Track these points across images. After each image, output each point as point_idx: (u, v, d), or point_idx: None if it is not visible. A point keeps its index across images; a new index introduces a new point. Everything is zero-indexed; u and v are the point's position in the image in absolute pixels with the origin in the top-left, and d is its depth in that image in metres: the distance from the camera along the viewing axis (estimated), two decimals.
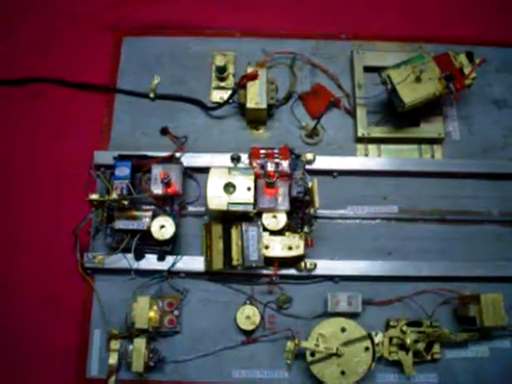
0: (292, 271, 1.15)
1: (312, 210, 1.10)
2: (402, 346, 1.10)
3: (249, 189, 1.09)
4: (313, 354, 1.06)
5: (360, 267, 1.15)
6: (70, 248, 1.15)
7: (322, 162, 1.22)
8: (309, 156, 1.20)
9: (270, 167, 1.12)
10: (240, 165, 1.17)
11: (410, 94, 1.16)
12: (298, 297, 1.15)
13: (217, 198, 1.08)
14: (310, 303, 1.15)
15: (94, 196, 1.08)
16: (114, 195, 1.08)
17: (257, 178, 1.12)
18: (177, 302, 1.13)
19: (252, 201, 1.08)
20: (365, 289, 1.14)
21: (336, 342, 1.06)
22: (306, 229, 1.13)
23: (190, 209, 1.20)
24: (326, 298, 1.12)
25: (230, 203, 1.08)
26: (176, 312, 1.13)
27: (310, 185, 1.11)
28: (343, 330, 1.07)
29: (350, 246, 1.18)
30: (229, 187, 1.09)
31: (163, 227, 1.12)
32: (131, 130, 1.27)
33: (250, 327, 1.11)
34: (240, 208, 1.08)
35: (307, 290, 1.16)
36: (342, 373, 1.06)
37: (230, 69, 1.29)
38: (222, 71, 1.27)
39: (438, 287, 1.15)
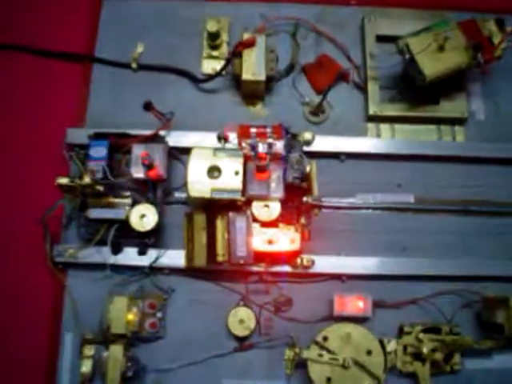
0: (286, 268, 1.00)
1: (310, 199, 0.95)
2: (418, 356, 0.96)
3: (236, 173, 0.93)
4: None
5: (370, 264, 1.00)
6: (40, 239, 1.00)
7: (328, 144, 1.06)
8: (307, 136, 1.03)
9: (262, 148, 0.96)
10: (227, 145, 1.01)
11: (432, 66, 1.00)
12: (298, 298, 1.00)
13: (199, 184, 0.92)
14: (313, 305, 1.00)
15: (63, 180, 0.92)
16: (87, 179, 0.92)
17: (246, 160, 0.96)
18: (160, 303, 0.98)
19: (240, 187, 0.93)
20: (375, 289, 0.99)
21: (348, 351, 0.92)
22: (302, 220, 0.97)
23: (177, 195, 1.04)
24: (332, 299, 0.98)
25: (214, 190, 0.92)
26: (159, 314, 0.97)
27: (308, 169, 0.96)
28: (369, 352, 0.92)
29: (360, 240, 1.03)
30: (213, 171, 0.93)
31: (144, 217, 0.96)
32: (110, 104, 1.11)
33: (243, 333, 0.96)
34: (226, 196, 0.93)
35: (310, 291, 1.01)
36: (328, 380, 0.92)
37: (224, 36, 1.13)
38: (214, 38, 1.10)
39: (459, 288, 1.00)
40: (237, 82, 1.09)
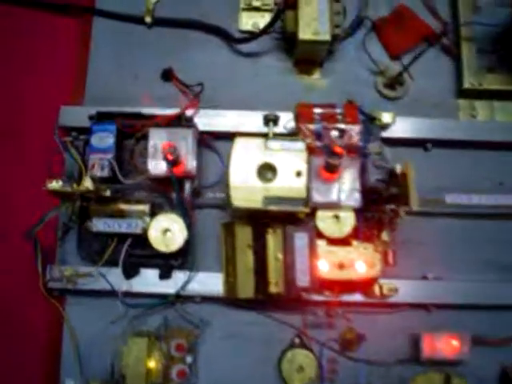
0: (358, 297, 0.72)
1: (402, 211, 0.66)
2: None
3: (298, 174, 0.64)
4: None
5: (466, 289, 0.72)
6: (30, 256, 0.73)
7: (408, 127, 0.76)
8: (385, 118, 0.74)
9: (337, 137, 0.67)
10: (277, 129, 0.70)
11: None
12: (372, 333, 0.72)
13: (246, 190, 0.63)
14: (391, 342, 0.72)
15: (54, 184, 0.63)
16: (88, 184, 0.63)
17: (310, 154, 0.67)
18: (190, 343, 0.70)
19: (305, 194, 0.64)
20: (473, 322, 0.72)
21: None
22: (384, 236, 0.68)
23: (209, 195, 0.75)
24: (415, 333, 0.72)
25: (267, 198, 0.64)
26: (189, 358, 0.69)
27: (397, 168, 0.67)
28: None
29: (451, 257, 0.74)
30: (266, 171, 0.65)
31: (168, 231, 0.68)
32: (117, 73, 0.80)
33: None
34: (285, 207, 0.63)
35: (386, 323, 0.73)
36: None
37: None
38: None
39: None
40: (288, 43, 0.78)
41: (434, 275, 0.73)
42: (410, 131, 0.77)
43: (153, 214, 0.69)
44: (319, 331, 0.73)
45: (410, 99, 0.80)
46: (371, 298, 0.70)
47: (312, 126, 0.67)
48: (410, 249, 0.74)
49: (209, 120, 0.74)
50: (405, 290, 0.72)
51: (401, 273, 0.72)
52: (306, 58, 0.77)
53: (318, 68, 0.79)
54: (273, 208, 0.62)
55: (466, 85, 0.77)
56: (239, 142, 0.64)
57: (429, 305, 0.73)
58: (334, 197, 0.65)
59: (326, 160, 0.63)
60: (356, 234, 0.67)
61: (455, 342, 0.71)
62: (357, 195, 0.66)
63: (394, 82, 0.78)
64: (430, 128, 0.76)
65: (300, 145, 0.64)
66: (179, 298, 0.71)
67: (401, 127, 0.76)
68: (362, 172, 0.66)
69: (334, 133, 0.66)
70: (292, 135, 0.70)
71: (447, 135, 0.77)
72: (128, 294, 0.70)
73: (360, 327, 0.72)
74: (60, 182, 0.61)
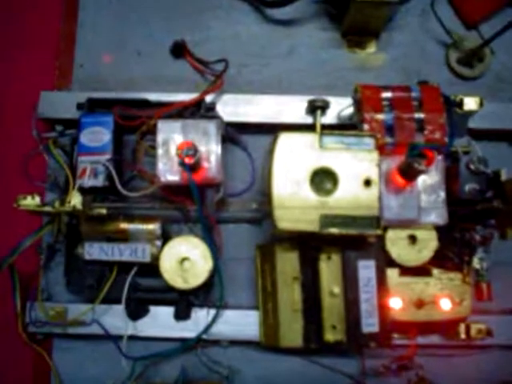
0: (436, 338, 0.53)
1: (510, 231, 0.47)
2: None
3: (368, 183, 0.45)
4: None
5: None
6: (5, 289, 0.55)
7: (489, 115, 0.57)
8: (469, 104, 0.55)
9: (416, 131, 0.48)
10: (325, 119, 0.52)
11: None
12: (450, 378, 0.55)
13: (296, 206, 0.44)
14: None
15: (29, 202, 0.44)
16: (76, 201, 0.44)
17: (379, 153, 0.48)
18: None
19: (377, 210, 0.44)
20: None
21: None
22: (476, 263, 0.49)
23: (237, 206, 0.55)
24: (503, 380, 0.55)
25: (326, 217, 0.45)
26: None
27: (503, 174, 0.47)
28: None
29: None
30: (323, 179, 0.45)
31: (186, 260, 0.50)
32: (114, 48, 0.60)
33: None
34: (352, 230, 0.44)
35: (467, 369, 0.55)
36: None
37: None
38: None
39: None
40: (335, 7, 0.58)
41: None
42: (492, 120, 0.58)
43: (165, 235, 0.51)
44: (380, 380, 0.55)
45: (491, 79, 0.60)
46: (452, 340, 0.53)
47: (381, 116, 0.47)
48: (495, 273, 0.57)
49: (236, 108, 0.55)
50: (492, 326, 0.55)
51: (485, 305, 0.55)
52: (360, 26, 0.57)
53: (373, 40, 0.59)
54: (334, 231, 0.43)
55: None
56: (283, 140, 0.44)
57: None
58: (411, 211, 0.46)
59: (408, 163, 0.43)
60: (438, 261, 0.49)
61: None
62: (442, 209, 0.47)
63: (471, 57, 0.59)
64: None
65: (368, 141, 0.45)
66: (201, 342, 0.53)
67: (480, 115, 0.57)
68: (449, 178, 0.48)
69: (410, 125, 0.48)
70: (349, 128, 0.51)
71: None
72: (135, 338, 0.53)
73: (433, 374, 0.54)
74: (36, 199, 0.42)
